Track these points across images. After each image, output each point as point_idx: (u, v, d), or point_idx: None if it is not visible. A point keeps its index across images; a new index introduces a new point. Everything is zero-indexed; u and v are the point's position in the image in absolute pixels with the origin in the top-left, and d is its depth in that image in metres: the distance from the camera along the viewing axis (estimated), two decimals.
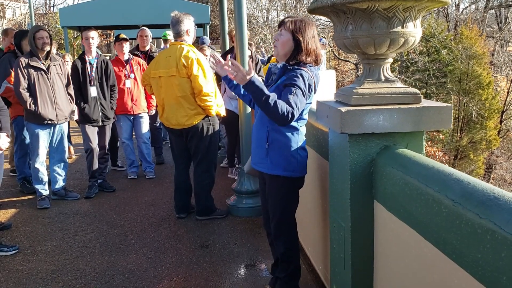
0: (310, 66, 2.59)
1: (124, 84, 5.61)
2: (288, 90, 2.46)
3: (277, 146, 2.64)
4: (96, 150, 5.20)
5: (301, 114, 2.61)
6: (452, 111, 2.11)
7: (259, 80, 2.40)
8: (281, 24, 2.62)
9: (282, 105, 2.37)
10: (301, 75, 2.50)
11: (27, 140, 5.16)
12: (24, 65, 4.55)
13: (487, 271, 1.31)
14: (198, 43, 7.35)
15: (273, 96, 2.37)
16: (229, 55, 5.33)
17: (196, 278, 3.27)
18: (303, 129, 2.71)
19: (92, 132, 5.17)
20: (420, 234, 1.69)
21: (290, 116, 2.38)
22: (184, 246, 3.80)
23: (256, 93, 2.37)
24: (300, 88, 2.47)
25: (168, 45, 7.00)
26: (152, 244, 3.86)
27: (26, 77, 4.56)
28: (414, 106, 2.08)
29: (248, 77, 2.37)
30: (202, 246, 3.80)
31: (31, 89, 4.59)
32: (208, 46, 7.22)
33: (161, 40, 7.52)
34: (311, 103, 2.67)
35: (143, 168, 5.99)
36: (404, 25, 2.05)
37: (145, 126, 5.88)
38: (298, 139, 2.66)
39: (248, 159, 3.01)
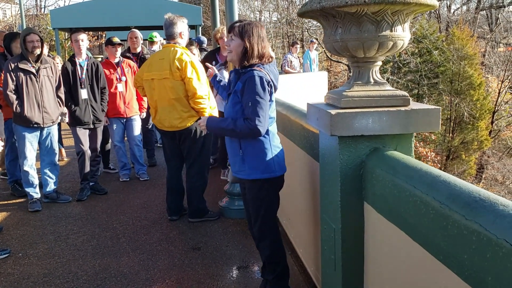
0: (262, 65, 2.64)
1: (116, 88, 5.58)
2: (246, 104, 2.55)
3: (251, 151, 2.67)
4: (88, 152, 5.19)
5: None
6: (441, 114, 2.13)
7: (210, 119, 2.79)
8: (231, 29, 2.69)
9: (239, 126, 2.57)
10: (254, 77, 2.55)
11: None
12: (12, 67, 4.53)
13: (473, 271, 1.33)
14: (195, 42, 7.31)
15: (226, 125, 2.62)
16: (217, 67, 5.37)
17: (188, 280, 3.28)
18: (273, 128, 2.75)
19: (83, 134, 5.15)
20: (409, 235, 1.71)
21: (256, 131, 2.56)
22: (176, 249, 3.80)
23: (216, 130, 2.79)
24: (258, 94, 2.54)
25: (153, 47, 6.99)
26: (144, 246, 3.86)
27: (14, 79, 4.54)
28: (403, 108, 2.10)
29: (204, 124, 2.78)
30: (194, 248, 3.80)
31: (19, 91, 4.57)
32: (203, 47, 7.21)
33: (148, 41, 7.46)
34: (273, 101, 2.71)
35: (135, 170, 5.98)
36: (393, 29, 2.07)
37: (137, 129, 5.87)
38: (270, 139, 2.70)
39: (230, 170, 3.04)
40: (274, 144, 2.72)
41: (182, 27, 4.12)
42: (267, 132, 2.67)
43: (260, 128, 2.56)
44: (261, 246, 2.85)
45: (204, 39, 7.80)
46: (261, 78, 2.56)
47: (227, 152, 5.53)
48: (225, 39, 5.59)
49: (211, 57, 5.76)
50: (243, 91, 2.57)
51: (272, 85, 2.64)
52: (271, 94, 2.64)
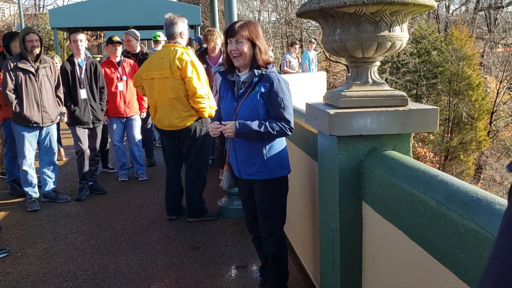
0: (272, 67, 2.68)
1: (116, 87, 5.58)
2: (278, 105, 2.58)
3: (274, 150, 2.69)
4: (87, 152, 5.19)
5: None
6: (438, 114, 2.15)
7: (242, 124, 2.56)
8: (233, 31, 2.57)
9: (276, 128, 2.56)
10: (279, 79, 2.61)
11: None
12: (12, 67, 4.54)
13: (470, 270, 1.34)
14: (196, 42, 7.29)
15: (263, 128, 2.54)
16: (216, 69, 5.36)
17: (187, 280, 3.28)
18: None
19: (83, 134, 5.15)
20: (407, 234, 1.72)
21: (289, 129, 2.60)
22: (175, 248, 3.80)
23: (249, 135, 2.58)
24: (285, 95, 2.60)
25: (158, 46, 6.98)
26: (143, 246, 3.87)
27: (14, 79, 4.55)
28: (401, 108, 2.11)
29: (232, 129, 2.56)
30: (193, 247, 3.81)
31: (18, 91, 4.58)
32: (203, 47, 7.19)
33: (152, 41, 7.44)
34: None
35: (134, 170, 5.98)
36: (391, 29, 2.08)
37: (137, 128, 5.87)
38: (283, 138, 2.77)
39: (224, 177, 2.90)
40: (285, 142, 2.79)
41: (182, 27, 4.13)
42: None
43: (292, 125, 2.63)
44: (267, 244, 2.83)
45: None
46: (284, 80, 2.63)
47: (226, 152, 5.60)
48: (218, 44, 5.60)
49: (200, 59, 5.74)
50: (269, 93, 2.57)
51: None
52: None
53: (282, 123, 2.57)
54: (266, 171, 2.68)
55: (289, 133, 2.62)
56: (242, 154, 2.72)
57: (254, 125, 2.54)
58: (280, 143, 2.71)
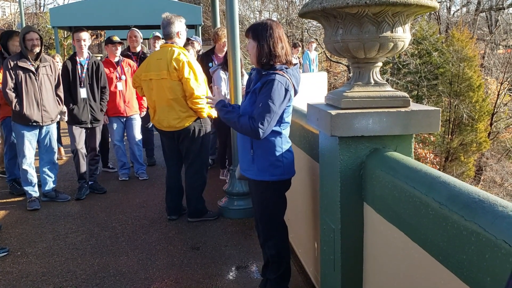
0: (286, 69, 2.60)
1: (116, 87, 5.58)
2: (257, 104, 2.54)
3: (262, 152, 2.66)
4: (81, 151, 5.17)
5: (282, 118, 2.63)
6: (440, 115, 2.14)
7: (222, 105, 2.75)
8: (246, 31, 2.69)
9: (242, 121, 2.57)
10: (274, 81, 2.51)
11: None
12: (12, 65, 4.53)
13: (471, 272, 1.34)
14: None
15: (234, 118, 2.62)
16: (217, 69, 5.34)
17: (187, 280, 3.28)
18: (286, 132, 2.73)
19: (79, 133, 5.14)
20: (408, 235, 1.72)
21: (256, 132, 2.53)
22: (175, 248, 3.80)
23: (223, 116, 2.72)
24: (271, 99, 2.50)
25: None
26: (143, 246, 3.86)
27: (14, 77, 4.54)
28: (403, 109, 2.10)
29: (215, 103, 2.80)
30: (193, 248, 3.80)
31: (18, 89, 4.57)
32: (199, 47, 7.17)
33: (152, 39, 7.35)
34: (290, 105, 2.68)
35: (135, 169, 5.98)
36: (393, 30, 2.07)
37: (137, 128, 5.86)
38: (282, 143, 2.68)
39: (238, 165, 3.02)
40: (285, 148, 2.70)
41: (179, 26, 4.11)
42: (279, 135, 2.65)
43: (260, 131, 2.52)
44: (266, 245, 2.85)
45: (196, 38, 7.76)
46: (280, 84, 2.53)
47: (225, 152, 5.60)
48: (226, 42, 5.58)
49: (206, 58, 5.74)
50: (260, 90, 2.56)
51: (293, 90, 2.62)
52: (289, 99, 2.61)
53: (251, 120, 2.54)
54: (252, 171, 2.71)
55: (256, 135, 2.53)
56: (240, 147, 2.81)
57: (227, 112, 2.69)
58: (270, 148, 2.65)
